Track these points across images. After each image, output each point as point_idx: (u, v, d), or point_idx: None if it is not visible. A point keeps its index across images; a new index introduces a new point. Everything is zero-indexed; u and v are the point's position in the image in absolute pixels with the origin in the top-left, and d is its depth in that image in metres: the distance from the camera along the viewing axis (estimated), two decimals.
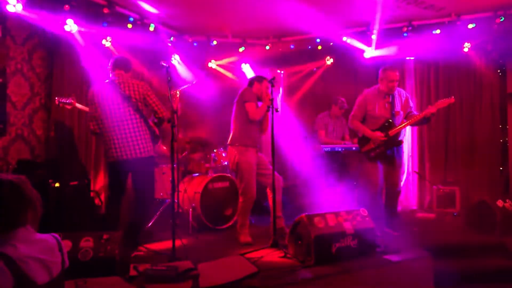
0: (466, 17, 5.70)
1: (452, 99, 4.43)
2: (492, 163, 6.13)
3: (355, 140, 5.77)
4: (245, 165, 4.23)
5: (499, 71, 6.17)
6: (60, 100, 4.36)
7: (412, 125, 4.59)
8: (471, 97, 6.24)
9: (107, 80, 3.91)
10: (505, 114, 6.16)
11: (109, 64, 3.99)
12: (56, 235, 1.89)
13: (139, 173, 3.90)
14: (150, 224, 4.83)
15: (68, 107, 4.42)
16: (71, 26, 4.90)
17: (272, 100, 4.02)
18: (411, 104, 4.68)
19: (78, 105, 4.48)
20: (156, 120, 3.97)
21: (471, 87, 6.26)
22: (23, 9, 4.38)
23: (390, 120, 4.49)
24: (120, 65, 3.96)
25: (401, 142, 4.53)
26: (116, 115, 3.79)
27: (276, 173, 4.24)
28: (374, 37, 6.12)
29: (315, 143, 6.03)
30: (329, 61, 6.90)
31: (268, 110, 4.23)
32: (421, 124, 4.65)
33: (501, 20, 5.49)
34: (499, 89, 6.16)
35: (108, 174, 3.99)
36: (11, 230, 1.72)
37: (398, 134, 4.49)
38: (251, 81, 4.53)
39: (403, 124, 4.48)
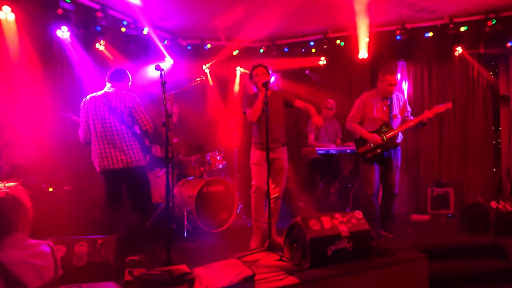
0: (458, 20, 5.76)
1: (449, 104, 4.49)
2: (486, 164, 6.17)
3: (348, 143, 5.80)
4: (253, 161, 4.33)
5: (491, 73, 6.22)
6: (61, 115, 4.59)
7: (408, 129, 4.62)
8: (464, 99, 6.29)
9: (99, 92, 3.98)
10: (497, 116, 6.21)
11: (107, 76, 4.07)
12: (49, 242, 1.88)
13: (131, 183, 3.98)
14: (145, 228, 4.80)
15: (68, 120, 4.60)
16: (63, 32, 4.92)
17: (266, 84, 3.96)
18: (409, 108, 4.74)
19: (75, 118, 4.58)
20: (140, 132, 4.01)
21: (464, 90, 6.31)
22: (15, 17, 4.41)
23: (388, 123, 4.52)
24: (115, 77, 4.04)
25: (398, 145, 4.57)
26: (102, 126, 3.87)
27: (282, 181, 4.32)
28: (367, 39, 6.16)
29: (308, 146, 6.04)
30: (323, 62, 6.85)
31: (265, 97, 3.96)
32: (417, 128, 4.71)
33: (493, 22, 5.55)
34: (491, 91, 6.22)
35: (104, 184, 4.04)
36: (2, 237, 1.71)
37: (395, 137, 4.54)
38: (250, 77, 4.44)
39: (400, 128, 4.52)
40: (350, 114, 4.73)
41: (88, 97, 3.99)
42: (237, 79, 7.20)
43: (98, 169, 3.93)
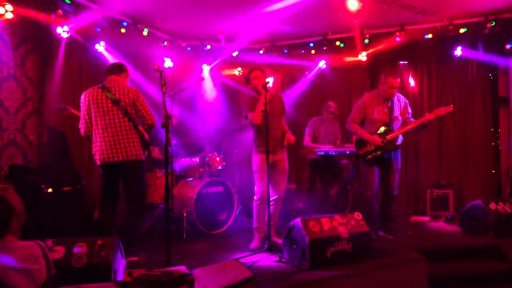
0: (458, 22, 5.75)
1: (450, 108, 4.52)
2: (485, 166, 6.17)
3: (347, 144, 5.80)
4: (255, 168, 4.31)
5: (490, 75, 6.23)
6: (57, 106, 4.55)
7: (409, 131, 4.63)
8: (463, 100, 6.29)
9: (99, 85, 3.95)
10: (497, 117, 6.21)
11: (105, 71, 4.06)
12: (40, 242, 1.85)
13: (128, 176, 3.95)
14: (144, 229, 4.80)
15: (66, 113, 4.56)
16: (63, 30, 4.93)
17: (265, 85, 3.94)
18: (410, 110, 4.74)
19: (73, 111, 4.57)
20: (145, 126, 4.00)
21: (463, 91, 6.31)
22: (15, 15, 4.41)
23: (388, 125, 4.52)
24: (113, 70, 4.04)
25: (398, 147, 4.57)
26: (105, 118, 3.84)
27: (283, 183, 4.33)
28: (367, 41, 6.17)
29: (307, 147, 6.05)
30: (322, 63, 6.85)
31: (266, 99, 3.93)
32: (418, 130, 4.72)
33: (492, 24, 5.55)
34: (490, 92, 6.22)
35: (101, 179, 4.03)
36: None
37: (395, 139, 4.54)
38: (246, 80, 4.44)
39: (401, 130, 4.52)
40: (351, 115, 4.73)
41: (88, 90, 3.97)
42: (231, 72, 7.25)
43: (98, 162, 3.90)
